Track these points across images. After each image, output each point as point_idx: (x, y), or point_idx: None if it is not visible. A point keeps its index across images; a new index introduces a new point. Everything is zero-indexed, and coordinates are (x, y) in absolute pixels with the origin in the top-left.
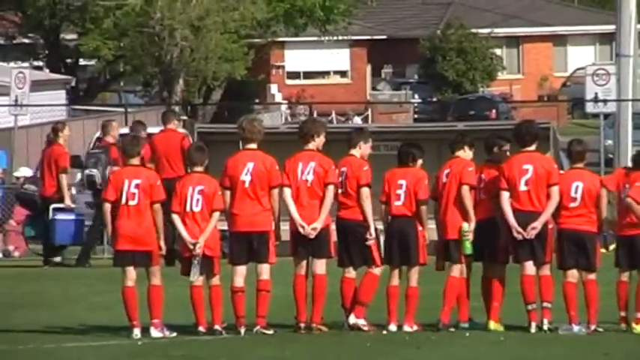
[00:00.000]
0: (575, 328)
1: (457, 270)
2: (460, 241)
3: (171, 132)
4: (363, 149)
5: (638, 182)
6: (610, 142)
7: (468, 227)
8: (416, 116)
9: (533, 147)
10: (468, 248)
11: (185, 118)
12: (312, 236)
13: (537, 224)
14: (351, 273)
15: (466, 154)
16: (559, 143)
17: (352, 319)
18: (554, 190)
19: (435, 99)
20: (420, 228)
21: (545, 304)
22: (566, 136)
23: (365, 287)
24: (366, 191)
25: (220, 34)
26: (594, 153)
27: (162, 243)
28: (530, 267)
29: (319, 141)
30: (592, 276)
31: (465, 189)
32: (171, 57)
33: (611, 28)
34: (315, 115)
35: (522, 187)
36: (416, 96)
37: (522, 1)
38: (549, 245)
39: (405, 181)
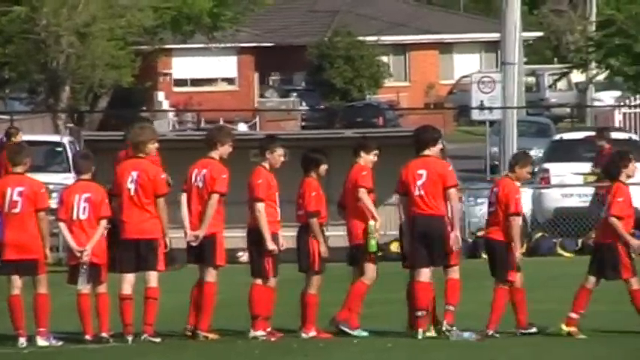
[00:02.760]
0: (466, 334)
1: (366, 276)
2: (365, 242)
3: None
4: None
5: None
6: (495, 149)
7: (374, 225)
8: (304, 124)
9: (428, 152)
10: (372, 246)
11: (71, 125)
12: (193, 243)
13: (457, 232)
14: (258, 281)
15: (365, 159)
16: (446, 150)
17: (255, 333)
18: (451, 193)
19: (322, 106)
20: (312, 237)
21: (448, 307)
22: (452, 144)
23: (256, 299)
24: (257, 205)
25: (107, 40)
26: (480, 160)
27: (47, 251)
28: (424, 274)
29: (223, 149)
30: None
31: (362, 191)
32: (57, 64)
33: (496, 36)
34: (202, 122)
35: (417, 192)
36: (303, 103)
37: (409, 8)
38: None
39: (302, 190)
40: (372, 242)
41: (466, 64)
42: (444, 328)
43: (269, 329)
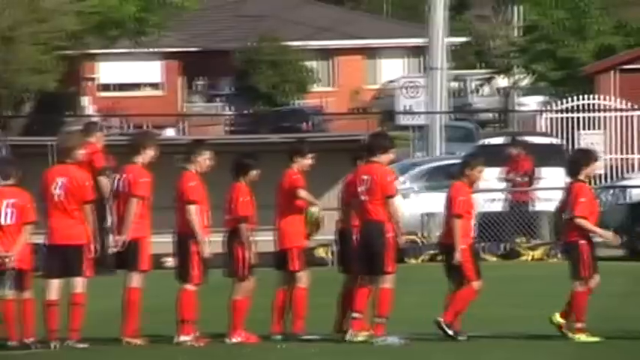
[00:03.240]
0: (390, 339)
1: (301, 281)
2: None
3: None
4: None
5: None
6: (420, 154)
7: (316, 211)
8: (230, 129)
9: (376, 158)
10: (311, 224)
11: None
12: (117, 249)
13: (404, 238)
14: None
15: (300, 163)
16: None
17: (180, 338)
18: (390, 202)
19: (248, 111)
20: (240, 242)
21: (377, 320)
22: None
23: (184, 304)
24: (190, 208)
25: (31, 45)
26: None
27: None
28: (367, 278)
29: (147, 154)
30: None
31: (300, 191)
32: None
33: (421, 41)
34: (129, 127)
35: (362, 197)
36: (229, 108)
37: (334, 14)
38: (389, 256)
39: (231, 195)
40: (311, 226)
41: (391, 69)
42: (373, 340)
43: (196, 334)
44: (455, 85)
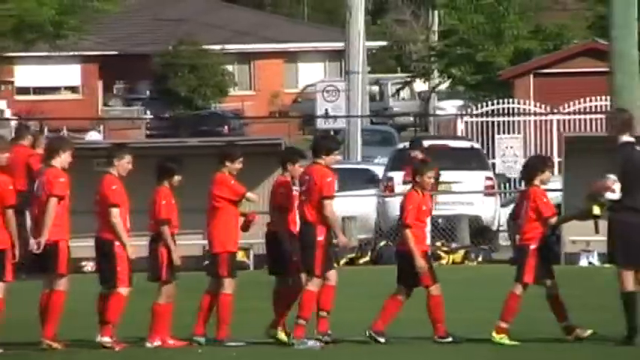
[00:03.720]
0: (310, 342)
1: (227, 287)
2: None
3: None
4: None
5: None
6: (339, 157)
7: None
8: (148, 132)
9: (320, 160)
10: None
11: None
12: (36, 251)
13: (341, 240)
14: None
15: (230, 168)
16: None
17: (103, 339)
18: (325, 204)
19: (167, 115)
20: (163, 246)
21: (298, 321)
22: None
23: (111, 306)
24: (113, 211)
25: None
26: None
27: None
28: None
29: (64, 158)
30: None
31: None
32: None
33: (340, 45)
34: (46, 131)
35: (301, 198)
36: (148, 112)
37: (253, 18)
38: (317, 259)
39: (153, 198)
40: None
41: (310, 73)
42: (291, 342)
43: (114, 338)
44: (374, 89)
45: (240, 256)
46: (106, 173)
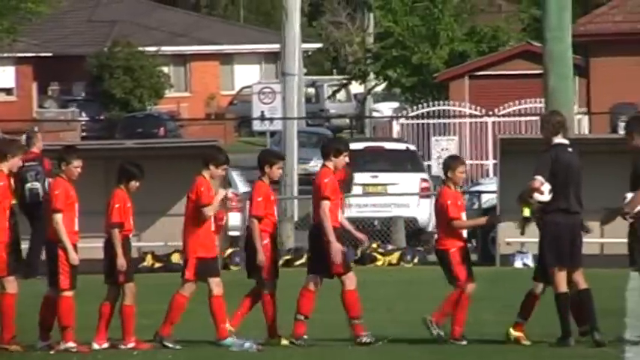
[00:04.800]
0: (247, 344)
1: (186, 289)
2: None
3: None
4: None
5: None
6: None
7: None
8: (84, 134)
9: (328, 162)
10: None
11: None
12: None
13: (333, 244)
14: None
15: (212, 172)
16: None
17: (66, 345)
18: (320, 203)
19: (102, 117)
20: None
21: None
22: (234, 154)
23: (62, 311)
24: (54, 216)
25: None
26: None
27: None
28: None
29: (12, 162)
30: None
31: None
32: None
33: (276, 47)
34: None
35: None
36: (83, 114)
37: (189, 19)
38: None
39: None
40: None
41: (247, 75)
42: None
43: (50, 341)
44: (310, 91)
45: (176, 258)
46: (56, 176)
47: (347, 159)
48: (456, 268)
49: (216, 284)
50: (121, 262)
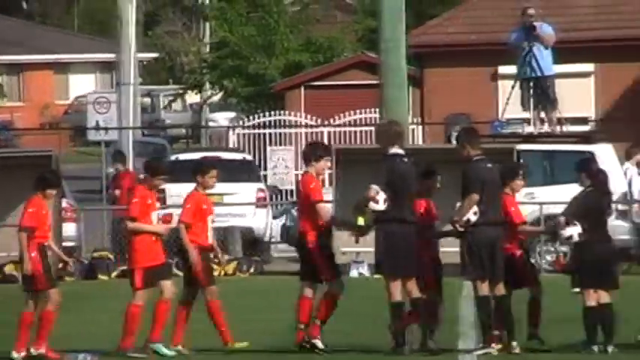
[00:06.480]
0: (80, 356)
1: (137, 298)
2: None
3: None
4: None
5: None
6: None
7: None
8: None
9: (309, 168)
10: None
11: None
12: None
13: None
14: None
15: (151, 184)
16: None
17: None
18: (317, 207)
19: None
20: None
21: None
22: (69, 164)
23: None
24: None
25: None
26: (96, 180)
27: None
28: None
29: None
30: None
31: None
32: None
33: (111, 56)
34: None
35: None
36: None
37: (22, 28)
38: (321, 265)
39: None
40: None
41: (82, 85)
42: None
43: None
44: (146, 100)
45: (11, 268)
46: None
47: (328, 163)
48: None
49: (167, 287)
50: (26, 267)
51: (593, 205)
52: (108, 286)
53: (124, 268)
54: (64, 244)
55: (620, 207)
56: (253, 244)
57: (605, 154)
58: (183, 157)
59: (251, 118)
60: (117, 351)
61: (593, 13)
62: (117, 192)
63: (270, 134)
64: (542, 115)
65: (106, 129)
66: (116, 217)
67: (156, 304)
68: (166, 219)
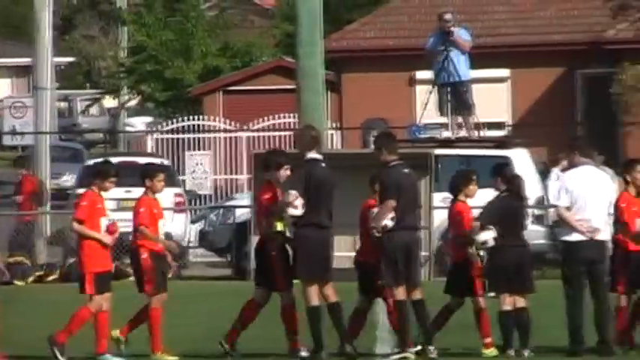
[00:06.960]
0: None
1: (92, 304)
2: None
3: None
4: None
5: None
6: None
7: None
8: None
9: (267, 175)
10: None
11: None
12: None
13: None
14: None
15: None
16: None
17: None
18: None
19: None
20: None
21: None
22: None
23: None
24: None
25: None
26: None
27: None
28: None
29: None
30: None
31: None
32: None
33: (27, 60)
34: None
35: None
36: None
37: None
38: (276, 274)
39: None
40: None
41: None
42: None
43: None
44: (63, 105)
45: None
46: None
47: (288, 172)
48: None
49: (105, 300)
50: None
51: (508, 209)
52: (22, 291)
53: (40, 273)
54: None
55: (537, 211)
56: None
57: (520, 159)
58: (99, 162)
59: (169, 122)
60: (48, 339)
61: (510, 18)
62: (19, 197)
63: (188, 139)
64: (460, 119)
65: (22, 134)
66: (21, 222)
67: (96, 316)
68: (112, 229)
